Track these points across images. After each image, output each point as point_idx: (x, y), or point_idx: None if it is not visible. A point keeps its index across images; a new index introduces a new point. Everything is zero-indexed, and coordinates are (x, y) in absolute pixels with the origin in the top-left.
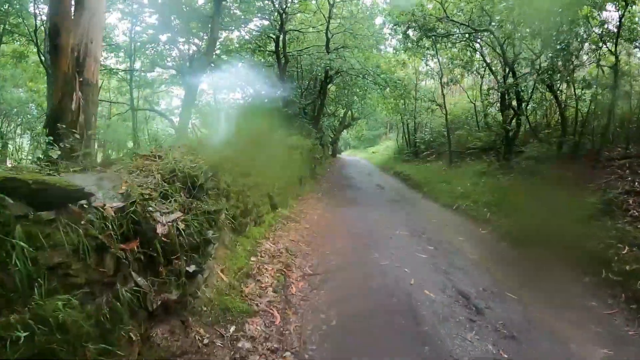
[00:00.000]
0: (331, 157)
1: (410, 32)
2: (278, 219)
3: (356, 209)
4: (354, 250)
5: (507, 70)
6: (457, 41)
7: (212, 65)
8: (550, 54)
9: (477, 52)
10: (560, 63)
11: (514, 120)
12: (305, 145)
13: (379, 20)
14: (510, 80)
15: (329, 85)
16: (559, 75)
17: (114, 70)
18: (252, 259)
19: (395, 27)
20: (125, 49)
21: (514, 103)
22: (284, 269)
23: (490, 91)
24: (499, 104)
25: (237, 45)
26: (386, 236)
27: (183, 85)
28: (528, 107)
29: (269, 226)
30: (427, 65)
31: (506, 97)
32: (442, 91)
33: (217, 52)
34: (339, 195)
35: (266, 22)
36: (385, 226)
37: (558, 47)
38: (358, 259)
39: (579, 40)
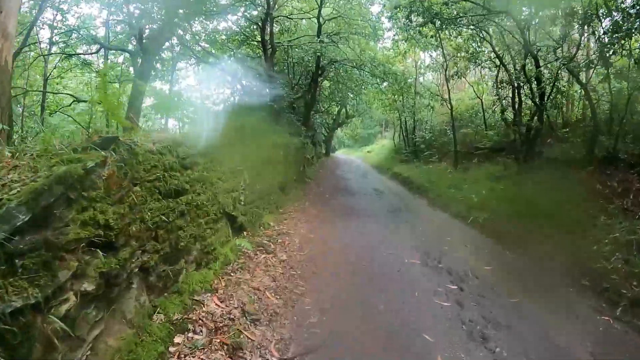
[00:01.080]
0: (324, 157)
1: (412, 17)
2: (241, 251)
3: (351, 224)
4: (348, 301)
5: (526, 58)
6: (466, 27)
7: (168, 42)
8: (581, 39)
9: (486, 42)
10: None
11: (535, 117)
12: (292, 144)
13: (376, 9)
14: (529, 69)
15: (322, 80)
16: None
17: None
18: (176, 340)
19: (395, 11)
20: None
21: (534, 96)
22: (230, 358)
23: (502, 84)
24: (509, 99)
25: (224, 37)
26: (392, 268)
27: (134, 72)
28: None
29: (224, 265)
30: (430, 56)
31: (522, 90)
32: (447, 85)
33: (203, 44)
34: (331, 203)
35: (254, 12)
36: (390, 250)
37: (600, 30)
38: (356, 318)
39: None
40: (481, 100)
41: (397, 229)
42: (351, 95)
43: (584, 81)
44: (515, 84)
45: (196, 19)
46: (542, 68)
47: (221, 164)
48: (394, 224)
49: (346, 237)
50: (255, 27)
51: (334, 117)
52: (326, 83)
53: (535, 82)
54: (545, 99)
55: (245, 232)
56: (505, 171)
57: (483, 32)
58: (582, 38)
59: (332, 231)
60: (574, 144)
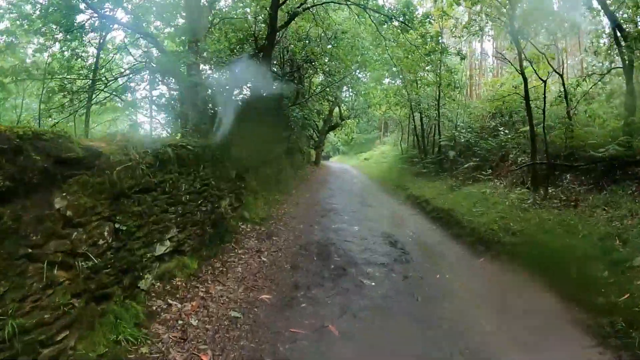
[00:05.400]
0: (313, 166)
1: None
2: None
3: None
4: None
5: None
6: None
7: None
8: None
9: None
10: None
11: None
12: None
13: None
14: None
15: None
16: None
17: None
18: None
19: None
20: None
21: None
22: None
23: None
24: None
25: None
26: None
27: None
28: None
29: None
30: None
31: None
32: (518, 45)
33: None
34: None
35: None
36: None
37: None
38: None
39: None
40: (563, 81)
41: None
42: (348, 95)
43: None
44: None
45: None
46: None
47: None
48: None
49: None
50: None
51: (325, 117)
52: (315, 79)
53: None
54: None
55: None
56: None
57: None
58: None
59: None
60: None
